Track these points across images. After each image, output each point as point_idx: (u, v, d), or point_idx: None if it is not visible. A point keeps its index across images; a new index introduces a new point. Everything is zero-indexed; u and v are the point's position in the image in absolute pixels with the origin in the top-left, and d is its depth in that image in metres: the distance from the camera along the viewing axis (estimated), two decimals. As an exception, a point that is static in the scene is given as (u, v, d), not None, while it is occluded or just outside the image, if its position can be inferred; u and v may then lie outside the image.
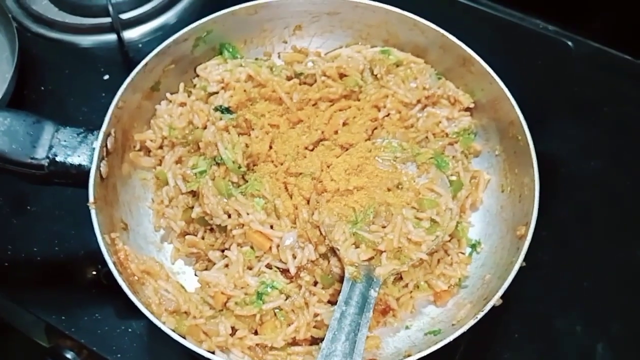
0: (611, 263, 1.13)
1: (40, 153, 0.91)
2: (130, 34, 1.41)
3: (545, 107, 1.30)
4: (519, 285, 0.91)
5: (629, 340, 1.07)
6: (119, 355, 1.01)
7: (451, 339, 0.83)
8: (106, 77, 1.34)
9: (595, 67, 1.38)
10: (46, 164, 0.92)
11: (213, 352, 0.87)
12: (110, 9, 1.38)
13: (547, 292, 1.11)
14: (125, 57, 1.38)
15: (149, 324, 0.89)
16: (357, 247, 0.96)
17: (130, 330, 1.03)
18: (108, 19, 1.39)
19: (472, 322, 0.85)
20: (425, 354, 0.82)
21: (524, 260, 0.92)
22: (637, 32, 1.39)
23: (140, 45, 1.40)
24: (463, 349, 1.01)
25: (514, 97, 1.06)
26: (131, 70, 1.05)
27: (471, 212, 1.11)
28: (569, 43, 1.39)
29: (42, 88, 1.33)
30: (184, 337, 0.87)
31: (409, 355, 0.83)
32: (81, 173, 0.93)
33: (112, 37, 1.40)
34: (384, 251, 0.95)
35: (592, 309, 1.09)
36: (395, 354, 0.94)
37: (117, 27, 1.38)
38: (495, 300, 0.87)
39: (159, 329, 0.85)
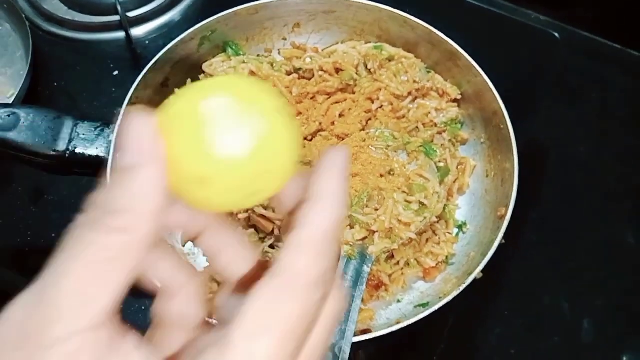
0: (597, 243, 1.18)
1: (61, 145, 0.99)
2: (137, 32, 1.45)
3: (534, 94, 1.34)
4: (508, 265, 0.95)
5: (612, 317, 1.11)
6: (133, 331, 1.07)
7: (436, 308, 0.90)
8: (115, 72, 1.39)
9: (583, 55, 1.41)
10: (67, 155, 0.99)
11: (222, 324, 0.94)
12: (118, 7, 1.42)
13: (535, 271, 1.15)
14: (133, 54, 1.42)
15: (162, 301, 0.94)
16: (351, 227, 1.02)
17: (144, 307, 1.08)
18: (116, 17, 1.43)
19: (455, 293, 0.91)
20: (413, 322, 0.89)
21: (510, 240, 0.97)
22: (624, 20, 1.42)
23: (147, 42, 1.45)
24: (452, 322, 1.06)
25: (502, 86, 1.10)
26: (139, 66, 1.10)
27: (458, 195, 1.17)
28: (555, 34, 1.42)
29: (55, 84, 1.37)
30: (196, 311, 0.93)
31: (398, 323, 0.90)
32: (99, 163, 1.00)
33: (121, 34, 1.44)
34: (377, 231, 1.01)
35: (578, 286, 1.14)
36: (387, 323, 1.01)
37: (125, 24, 1.42)
38: (477, 273, 0.93)
39: (172, 304, 0.91)
